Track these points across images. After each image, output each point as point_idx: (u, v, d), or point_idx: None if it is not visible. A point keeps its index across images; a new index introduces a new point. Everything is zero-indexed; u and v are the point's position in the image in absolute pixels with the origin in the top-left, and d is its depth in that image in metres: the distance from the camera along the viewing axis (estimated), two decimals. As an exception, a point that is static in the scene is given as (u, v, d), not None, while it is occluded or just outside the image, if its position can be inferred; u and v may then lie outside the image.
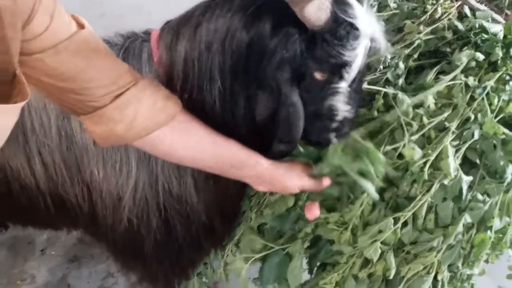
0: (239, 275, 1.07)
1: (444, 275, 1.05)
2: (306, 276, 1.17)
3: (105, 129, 0.79)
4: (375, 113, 1.12)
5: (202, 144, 0.88)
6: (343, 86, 0.89)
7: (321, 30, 0.81)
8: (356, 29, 0.82)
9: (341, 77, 0.87)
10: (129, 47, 1.02)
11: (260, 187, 0.97)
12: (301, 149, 1.01)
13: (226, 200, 1.17)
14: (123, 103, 0.78)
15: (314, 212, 0.98)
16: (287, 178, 0.94)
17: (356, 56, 0.83)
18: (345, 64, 0.84)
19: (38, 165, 1.10)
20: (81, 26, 0.73)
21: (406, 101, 1.08)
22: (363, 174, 0.92)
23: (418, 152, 0.98)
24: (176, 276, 1.41)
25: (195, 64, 0.89)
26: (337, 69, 0.86)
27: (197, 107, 0.91)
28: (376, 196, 0.94)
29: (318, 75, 0.87)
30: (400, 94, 1.09)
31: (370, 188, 0.93)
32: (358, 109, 0.95)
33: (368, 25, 0.84)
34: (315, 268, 1.14)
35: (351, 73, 0.86)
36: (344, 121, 0.93)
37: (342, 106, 0.90)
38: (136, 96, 0.79)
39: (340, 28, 0.81)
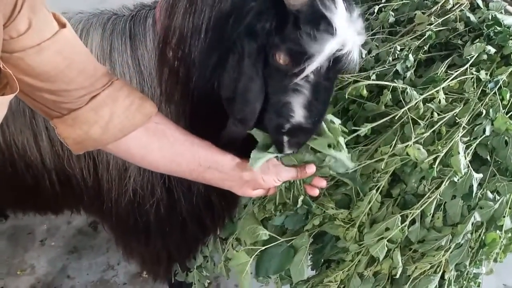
0: (242, 273, 1.00)
1: (451, 274, 1.03)
2: (308, 271, 1.14)
3: (80, 132, 0.77)
4: (383, 108, 1.09)
5: (178, 145, 0.87)
6: (305, 85, 0.86)
7: (296, 12, 0.79)
8: (330, 25, 0.79)
9: (302, 71, 0.83)
10: (137, 16, 1.04)
11: (245, 189, 0.94)
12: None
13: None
14: (98, 104, 0.76)
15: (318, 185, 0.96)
16: (266, 173, 0.91)
17: (320, 52, 0.80)
18: (305, 55, 0.80)
19: (45, 140, 1.11)
20: (62, 25, 0.71)
21: (415, 96, 1.04)
22: (331, 146, 0.89)
23: (423, 153, 0.95)
24: (180, 257, 1.40)
25: (190, 18, 0.87)
26: (298, 57, 0.82)
27: (185, 67, 0.90)
28: (351, 165, 0.91)
29: (279, 57, 0.83)
30: (409, 90, 1.06)
31: (345, 158, 0.90)
32: (317, 126, 0.91)
33: (345, 29, 0.80)
34: (319, 265, 1.11)
35: (311, 67, 0.82)
36: (299, 128, 0.88)
37: (299, 108, 0.87)
38: (111, 97, 0.78)
39: (314, 17, 0.79)
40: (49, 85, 0.71)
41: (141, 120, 0.81)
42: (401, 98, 1.07)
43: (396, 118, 1.04)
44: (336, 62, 0.83)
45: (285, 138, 0.90)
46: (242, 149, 0.92)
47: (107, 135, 0.79)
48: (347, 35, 0.80)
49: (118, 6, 1.11)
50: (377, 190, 0.97)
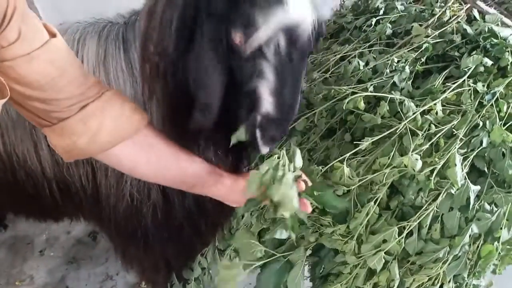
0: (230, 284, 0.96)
1: (450, 286, 1.02)
2: (307, 283, 1.14)
3: (68, 142, 0.78)
4: (379, 120, 1.09)
5: (164, 160, 0.88)
6: (268, 68, 0.82)
7: None
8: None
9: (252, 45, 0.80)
10: (129, 22, 1.05)
11: (232, 203, 0.96)
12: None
13: None
14: (87, 115, 0.77)
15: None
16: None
17: (266, 23, 0.77)
18: (255, 28, 0.78)
19: (45, 149, 1.12)
20: (52, 35, 0.71)
21: (412, 107, 1.05)
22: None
23: (419, 164, 0.95)
24: (178, 264, 1.41)
25: (168, 13, 0.85)
26: (250, 32, 0.79)
27: (164, 62, 0.89)
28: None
29: (235, 35, 0.81)
30: (407, 101, 1.06)
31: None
32: (290, 116, 0.87)
33: (300, 6, 0.77)
34: (318, 278, 1.11)
35: (257, 38, 0.79)
36: (271, 120, 0.85)
37: (266, 95, 0.83)
38: (101, 108, 0.78)
39: None
40: (40, 93, 0.71)
41: (129, 132, 0.82)
42: (399, 110, 1.07)
43: (394, 129, 1.04)
44: (294, 40, 0.80)
45: (258, 134, 0.87)
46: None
47: (95, 146, 0.79)
48: (301, 8, 0.77)
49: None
50: (375, 202, 0.97)
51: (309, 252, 1.05)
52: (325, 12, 0.82)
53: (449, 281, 1.01)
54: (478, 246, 1.01)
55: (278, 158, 0.84)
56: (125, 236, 1.30)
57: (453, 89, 1.09)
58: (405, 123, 1.02)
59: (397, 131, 1.04)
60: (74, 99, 0.75)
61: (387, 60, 1.28)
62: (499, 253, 0.99)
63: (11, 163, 1.15)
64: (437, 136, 1.00)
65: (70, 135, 0.77)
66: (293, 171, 0.85)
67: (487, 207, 0.98)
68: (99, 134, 0.78)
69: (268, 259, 1.01)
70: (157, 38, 0.88)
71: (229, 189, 0.94)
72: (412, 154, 0.95)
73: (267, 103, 0.84)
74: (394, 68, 1.26)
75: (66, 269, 1.92)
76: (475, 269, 1.05)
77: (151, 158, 0.86)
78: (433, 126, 1.01)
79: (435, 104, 1.05)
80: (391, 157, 0.99)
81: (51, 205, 1.25)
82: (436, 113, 1.04)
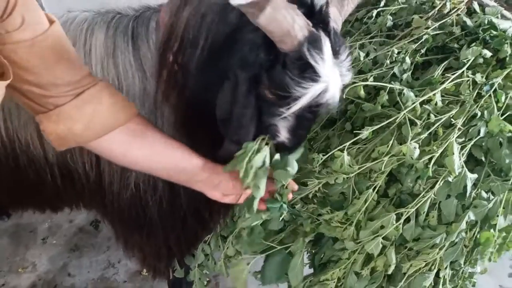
0: (240, 281, 1.07)
1: (446, 272, 1.05)
2: (308, 270, 1.17)
3: (63, 128, 0.80)
4: (379, 108, 1.11)
5: (156, 147, 0.90)
6: (289, 117, 0.91)
7: (285, 55, 0.83)
8: (315, 73, 0.82)
9: (287, 106, 0.88)
10: (140, 16, 1.07)
11: (214, 193, 0.99)
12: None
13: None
14: (82, 102, 0.80)
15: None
16: (237, 179, 0.94)
17: (303, 96, 0.84)
18: (289, 97, 0.85)
19: None
20: (51, 22, 0.75)
21: (412, 97, 1.06)
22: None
23: (416, 152, 0.97)
24: (180, 252, 1.42)
25: (191, 30, 0.91)
26: (283, 97, 0.86)
27: (183, 73, 0.94)
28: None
29: (267, 92, 0.88)
30: (406, 91, 1.08)
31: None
32: (297, 146, 0.97)
33: (330, 77, 0.84)
34: (317, 266, 1.13)
35: (293, 108, 0.87)
36: (282, 146, 0.95)
37: (284, 131, 0.94)
38: (96, 96, 0.81)
39: (300, 64, 0.82)
40: (38, 78, 0.74)
41: (123, 119, 0.85)
42: (399, 100, 1.09)
43: (393, 119, 1.06)
44: (320, 102, 0.87)
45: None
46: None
47: (89, 132, 0.82)
48: (331, 81, 0.84)
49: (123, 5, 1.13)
50: (373, 190, 0.99)
51: (310, 238, 1.07)
52: (346, 79, 0.89)
53: (446, 268, 1.04)
54: (474, 233, 1.03)
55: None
56: (128, 223, 1.31)
57: (452, 80, 1.10)
58: (404, 113, 1.04)
59: (396, 121, 1.05)
60: (71, 85, 0.78)
61: (387, 51, 1.29)
62: (495, 240, 1.02)
63: (13, 149, 1.16)
64: (436, 125, 1.01)
65: (65, 121, 0.79)
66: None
67: (484, 195, 1.01)
68: (94, 120, 0.81)
69: (270, 252, 1.05)
70: (177, 50, 0.93)
71: (209, 177, 0.96)
72: (410, 143, 0.97)
73: (283, 137, 0.94)
74: (394, 59, 1.27)
75: (68, 257, 1.94)
76: (471, 257, 1.08)
77: (144, 145, 0.89)
78: (432, 116, 1.03)
79: (434, 94, 1.06)
80: (390, 146, 1.01)
81: (52, 191, 1.26)
82: (436, 103, 1.06)
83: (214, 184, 0.97)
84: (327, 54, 0.83)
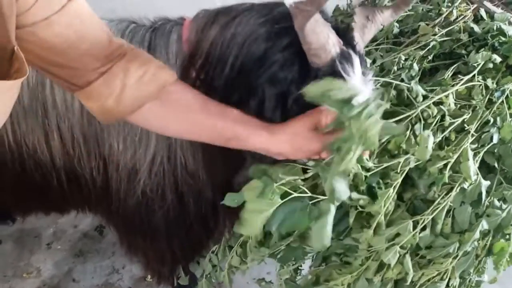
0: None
1: (455, 281, 1.03)
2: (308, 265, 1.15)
3: (98, 104, 0.78)
4: (388, 105, 1.08)
5: (192, 116, 0.84)
6: None
7: (317, 69, 0.86)
8: None
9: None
10: (159, 28, 1.07)
11: (275, 156, 0.87)
12: None
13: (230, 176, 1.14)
14: (111, 77, 0.76)
15: None
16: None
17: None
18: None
19: (56, 140, 1.12)
20: None
21: (421, 91, 1.05)
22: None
23: (430, 139, 0.93)
24: (184, 258, 1.42)
25: (218, 48, 0.94)
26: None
27: (206, 88, 0.94)
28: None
29: (298, 107, 0.89)
30: (414, 85, 1.06)
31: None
32: None
33: (361, 89, 0.86)
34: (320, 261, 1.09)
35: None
36: None
37: None
38: (123, 68, 0.77)
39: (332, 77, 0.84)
40: (63, 58, 0.71)
41: (153, 91, 0.80)
42: (408, 95, 1.08)
43: (405, 115, 1.02)
44: None
45: None
46: None
47: (121, 107, 0.78)
48: (362, 93, 0.84)
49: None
50: (394, 189, 0.92)
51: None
52: (369, 90, 0.92)
53: (456, 277, 1.02)
54: (486, 243, 1.02)
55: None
56: (132, 228, 1.31)
57: (464, 83, 1.09)
58: (415, 110, 1.00)
59: (407, 118, 1.01)
60: (100, 61, 0.75)
61: (394, 58, 1.29)
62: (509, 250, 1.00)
63: (20, 153, 1.15)
64: (449, 129, 1.00)
65: (99, 97, 0.77)
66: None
67: (497, 203, 0.99)
68: (123, 94, 0.77)
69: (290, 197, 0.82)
70: (201, 66, 0.96)
71: (267, 140, 0.84)
72: (424, 131, 0.96)
73: None
74: (401, 66, 1.27)
75: (73, 262, 1.92)
76: (480, 266, 1.06)
77: (179, 116, 0.84)
78: (446, 118, 1.01)
79: (447, 96, 1.05)
80: (405, 140, 0.97)
81: (58, 195, 1.25)
82: (449, 104, 1.05)
83: (276, 142, 0.84)
84: (357, 69, 0.88)
